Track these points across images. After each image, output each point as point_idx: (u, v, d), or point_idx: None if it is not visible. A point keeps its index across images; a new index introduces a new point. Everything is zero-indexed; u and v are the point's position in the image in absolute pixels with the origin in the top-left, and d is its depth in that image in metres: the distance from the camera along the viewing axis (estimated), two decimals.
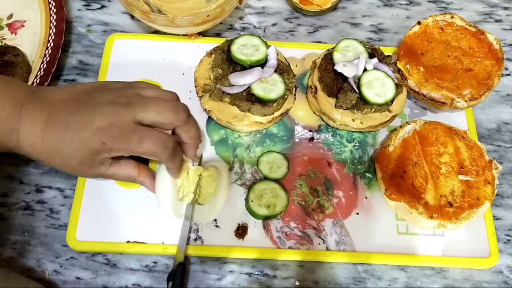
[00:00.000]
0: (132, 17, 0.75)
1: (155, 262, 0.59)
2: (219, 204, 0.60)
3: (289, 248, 0.59)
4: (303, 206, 0.61)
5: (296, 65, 0.70)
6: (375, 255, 0.59)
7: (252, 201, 0.60)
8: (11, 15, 0.73)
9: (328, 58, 0.66)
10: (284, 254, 0.59)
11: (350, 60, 0.64)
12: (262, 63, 0.63)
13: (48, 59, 0.67)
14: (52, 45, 0.68)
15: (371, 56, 0.65)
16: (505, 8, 0.80)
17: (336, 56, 0.65)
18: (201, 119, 0.65)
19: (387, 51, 0.71)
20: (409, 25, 0.71)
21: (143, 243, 0.58)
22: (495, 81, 0.65)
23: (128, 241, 0.58)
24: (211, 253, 0.58)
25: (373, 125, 0.63)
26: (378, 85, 0.62)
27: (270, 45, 0.64)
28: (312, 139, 0.66)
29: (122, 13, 0.76)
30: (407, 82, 0.66)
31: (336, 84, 0.64)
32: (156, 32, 0.72)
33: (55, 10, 0.70)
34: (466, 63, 0.67)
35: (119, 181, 0.60)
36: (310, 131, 0.67)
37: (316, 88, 0.65)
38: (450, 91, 0.64)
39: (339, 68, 0.63)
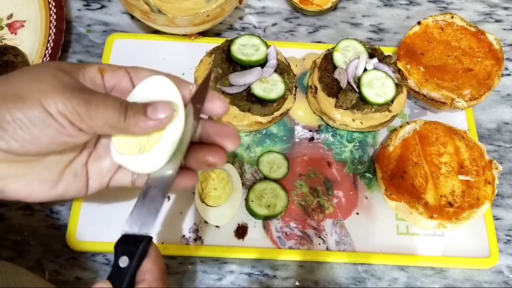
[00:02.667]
0: (132, 17, 0.75)
1: None
2: (236, 207, 0.60)
3: (289, 248, 0.59)
4: (303, 206, 0.61)
5: (296, 65, 0.70)
6: (375, 255, 0.59)
7: (252, 201, 0.60)
8: (11, 15, 0.73)
9: (328, 58, 0.66)
10: (284, 254, 0.59)
11: (350, 60, 0.64)
12: (262, 63, 0.63)
13: (48, 59, 0.66)
14: (52, 45, 0.68)
15: (371, 56, 0.65)
16: (505, 8, 0.80)
17: (336, 56, 0.65)
18: None
19: (387, 51, 0.71)
20: (409, 25, 0.71)
21: None
22: (495, 81, 0.65)
23: None
24: (211, 253, 0.58)
25: (373, 125, 0.63)
26: (378, 85, 0.62)
27: (270, 45, 0.64)
28: (312, 139, 0.66)
29: (122, 13, 0.76)
30: (407, 82, 0.66)
31: (336, 84, 0.64)
32: (156, 32, 0.72)
33: (55, 10, 0.70)
34: (466, 63, 0.67)
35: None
36: (310, 131, 0.67)
37: (316, 88, 0.65)
38: (450, 91, 0.64)
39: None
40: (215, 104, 0.41)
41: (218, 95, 0.41)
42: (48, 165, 0.39)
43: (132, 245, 0.36)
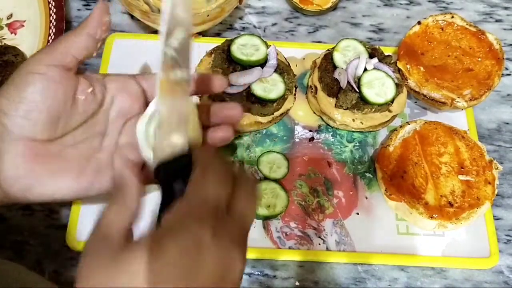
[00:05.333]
0: (132, 17, 0.75)
1: None
2: None
3: (289, 248, 0.59)
4: (303, 206, 0.61)
5: (296, 65, 0.70)
6: (375, 255, 0.59)
7: None
8: (11, 15, 0.73)
9: (328, 58, 0.66)
10: (284, 254, 0.59)
11: (350, 60, 0.64)
12: (262, 63, 0.63)
13: None
14: None
15: (371, 56, 0.65)
16: (506, 8, 0.80)
17: (336, 56, 0.65)
18: None
19: (387, 51, 0.70)
20: (409, 25, 0.71)
21: None
22: (495, 81, 0.65)
23: None
24: None
25: (373, 125, 0.63)
26: (378, 85, 0.62)
27: (270, 45, 0.64)
28: (312, 139, 0.66)
29: (122, 13, 0.76)
30: (407, 82, 0.66)
31: (336, 84, 0.64)
32: (156, 32, 0.71)
33: (54, 10, 0.70)
34: (467, 63, 0.67)
35: None
36: (310, 131, 0.67)
37: (316, 88, 0.65)
38: (450, 91, 0.64)
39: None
40: (216, 83, 0.46)
41: (218, 75, 0.47)
42: (67, 157, 0.41)
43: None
